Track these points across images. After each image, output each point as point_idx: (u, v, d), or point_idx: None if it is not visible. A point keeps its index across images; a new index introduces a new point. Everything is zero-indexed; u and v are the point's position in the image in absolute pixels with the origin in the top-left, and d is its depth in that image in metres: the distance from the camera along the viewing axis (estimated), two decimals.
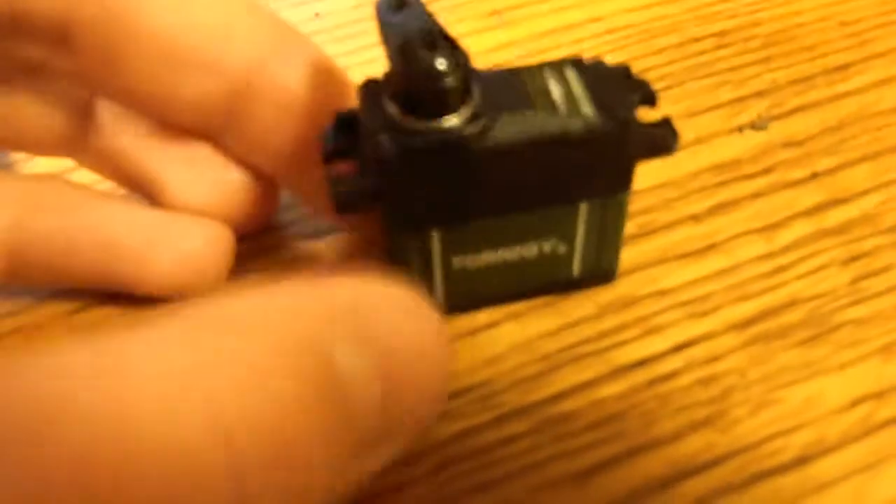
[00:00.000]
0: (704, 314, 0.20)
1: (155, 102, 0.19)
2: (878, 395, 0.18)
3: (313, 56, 0.19)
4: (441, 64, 0.16)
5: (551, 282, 0.20)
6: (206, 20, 0.18)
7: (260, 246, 0.22)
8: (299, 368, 0.11)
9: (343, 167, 0.18)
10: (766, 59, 0.26)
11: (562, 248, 0.19)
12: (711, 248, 0.21)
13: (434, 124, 0.16)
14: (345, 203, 0.17)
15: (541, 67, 0.18)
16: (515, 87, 0.17)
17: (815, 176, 0.23)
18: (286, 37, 0.19)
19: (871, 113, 0.25)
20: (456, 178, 0.17)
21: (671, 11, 0.28)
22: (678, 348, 0.19)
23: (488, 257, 0.19)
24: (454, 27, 0.28)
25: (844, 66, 0.26)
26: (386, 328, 0.12)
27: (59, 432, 0.09)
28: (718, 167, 0.23)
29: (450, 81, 0.16)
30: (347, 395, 0.11)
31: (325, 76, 0.19)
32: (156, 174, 0.20)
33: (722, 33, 0.27)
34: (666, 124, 0.18)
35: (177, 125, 0.19)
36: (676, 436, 0.18)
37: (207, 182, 0.20)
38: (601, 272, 0.20)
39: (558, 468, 0.18)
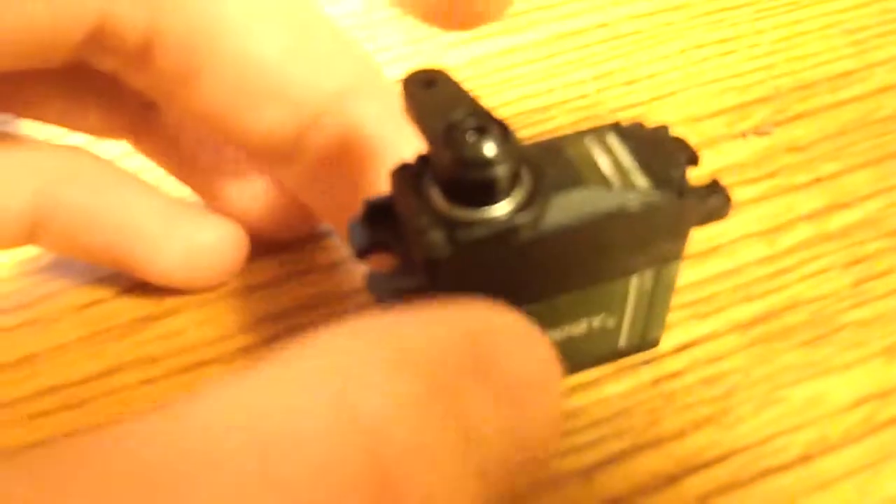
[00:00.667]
0: (708, 315, 0.20)
1: (224, 126, 0.18)
2: (881, 396, 0.19)
3: (393, 96, 0.18)
4: (491, 150, 0.14)
5: (596, 357, 0.19)
6: (291, 47, 0.17)
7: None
8: (431, 417, 0.11)
9: (379, 261, 0.16)
10: (770, 66, 0.27)
11: (610, 323, 0.18)
12: (715, 250, 0.22)
13: (485, 214, 0.15)
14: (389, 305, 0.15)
15: (581, 135, 0.17)
16: (560, 160, 0.16)
17: (817, 180, 0.23)
18: (368, 73, 0.18)
19: (872, 120, 0.25)
20: (508, 268, 0.16)
21: (676, 18, 0.29)
22: (682, 348, 0.20)
23: None
24: (458, 32, 0.29)
25: (846, 74, 0.26)
26: (507, 359, 0.13)
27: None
28: (722, 171, 0.23)
29: (502, 169, 0.14)
30: (471, 436, 0.11)
31: (403, 119, 0.18)
32: (205, 175, 0.20)
33: (726, 40, 0.28)
34: (719, 190, 0.17)
35: (240, 148, 0.19)
36: (681, 433, 0.18)
37: (254, 194, 0.20)
38: (646, 342, 0.19)
39: (563, 464, 0.18)
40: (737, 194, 0.23)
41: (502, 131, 0.15)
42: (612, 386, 0.19)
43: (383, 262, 0.17)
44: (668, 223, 0.16)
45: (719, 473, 0.18)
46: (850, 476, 0.17)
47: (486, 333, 0.13)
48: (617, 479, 0.18)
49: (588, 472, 0.18)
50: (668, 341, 0.20)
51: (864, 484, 0.17)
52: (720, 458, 0.18)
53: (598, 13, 0.29)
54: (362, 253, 0.16)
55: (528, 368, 0.13)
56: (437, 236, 0.15)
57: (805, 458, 0.18)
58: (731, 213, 0.22)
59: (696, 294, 0.21)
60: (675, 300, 0.20)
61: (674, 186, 0.16)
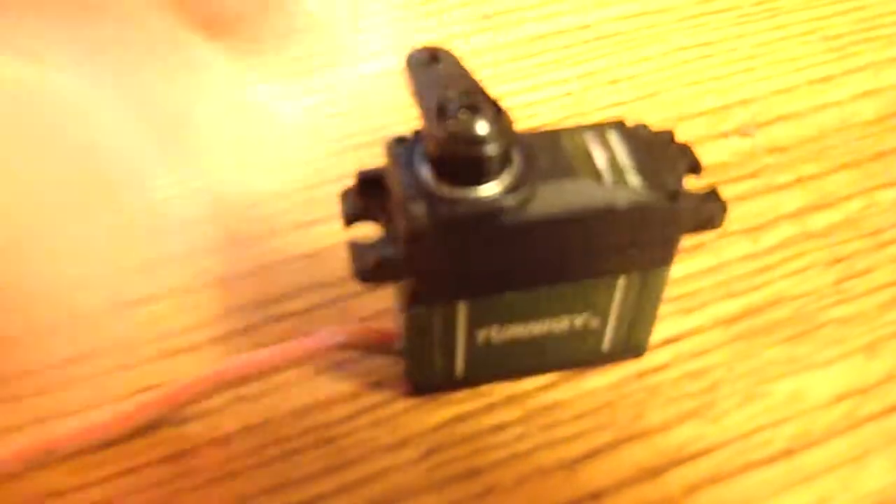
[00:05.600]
0: (692, 310, 0.20)
1: None
2: (862, 392, 0.19)
3: None
4: (482, 129, 0.14)
5: (578, 357, 0.18)
6: None
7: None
8: None
9: (365, 232, 0.17)
10: (751, 70, 0.27)
11: (594, 323, 0.18)
12: (700, 247, 0.22)
13: (471, 193, 0.15)
14: (368, 274, 0.15)
15: (581, 130, 0.17)
16: (556, 150, 0.16)
17: (799, 181, 0.23)
18: None
19: (851, 123, 0.25)
20: (491, 251, 0.15)
21: (658, 21, 0.29)
22: (667, 342, 0.20)
23: (516, 331, 0.17)
24: (446, 28, 0.28)
25: (826, 79, 0.27)
26: None
27: None
28: (706, 171, 0.24)
29: (491, 148, 0.14)
30: None
31: None
32: None
33: (707, 44, 0.28)
34: (714, 198, 0.17)
35: None
36: (665, 426, 0.18)
37: None
38: (631, 347, 0.19)
39: (547, 456, 0.18)
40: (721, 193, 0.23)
41: (496, 112, 0.15)
42: (596, 379, 0.19)
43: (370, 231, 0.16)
44: (657, 226, 0.16)
45: (703, 466, 0.18)
46: (832, 470, 0.17)
47: None
48: (601, 472, 0.17)
49: (572, 465, 0.18)
50: (652, 335, 0.20)
51: (846, 478, 0.17)
52: (704, 452, 0.18)
53: (581, 14, 0.29)
54: (350, 220, 0.16)
55: None
56: (419, 209, 0.15)
57: (788, 452, 0.18)
58: None
59: (680, 290, 0.21)
60: None
61: (667, 190, 0.16)
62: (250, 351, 0.18)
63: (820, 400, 0.19)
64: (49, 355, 0.19)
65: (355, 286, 0.21)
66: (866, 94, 0.26)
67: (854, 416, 0.18)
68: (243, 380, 0.17)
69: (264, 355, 0.18)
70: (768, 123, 0.25)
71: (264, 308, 0.20)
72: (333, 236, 0.22)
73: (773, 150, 0.24)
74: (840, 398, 0.19)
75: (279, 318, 0.20)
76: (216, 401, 0.18)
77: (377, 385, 0.19)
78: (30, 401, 0.19)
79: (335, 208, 0.22)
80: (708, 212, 0.17)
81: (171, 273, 0.21)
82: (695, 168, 0.17)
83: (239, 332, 0.20)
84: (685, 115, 0.25)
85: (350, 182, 0.23)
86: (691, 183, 0.23)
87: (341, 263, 0.21)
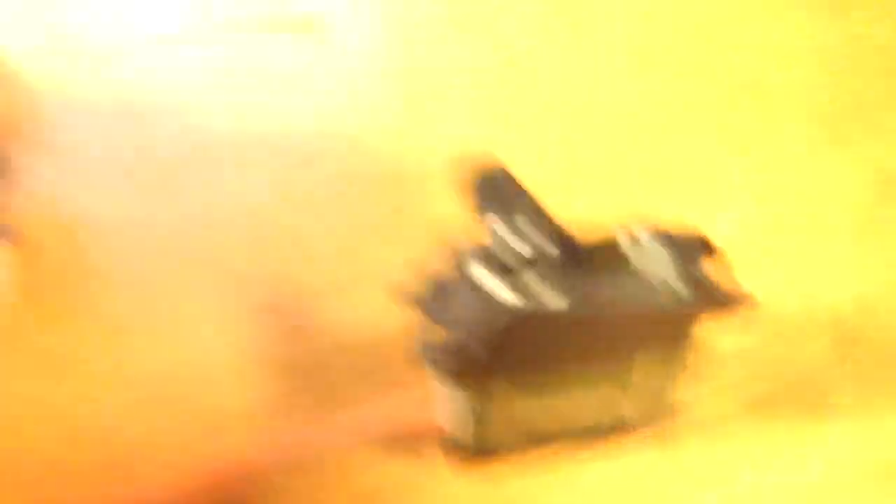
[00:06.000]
0: (713, 384, 0.21)
1: None
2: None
3: None
4: (555, 302, 0.17)
5: (603, 425, 0.20)
6: None
7: None
8: None
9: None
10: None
11: (618, 394, 0.19)
12: (721, 327, 0.22)
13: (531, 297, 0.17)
14: (442, 370, 0.18)
15: (618, 232, 0.19)
16: (600, 253, 0.18)
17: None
18: None
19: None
20: (540, 344, 0.17)
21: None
22: (687, 414, 0.21)
23: (545, 402, 0.19)
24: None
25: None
26: None
27: None
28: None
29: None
30: None
31: None
32: None
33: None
34: (740, 297, 0.19)
35: None
36: (687, 497, 0.19)
37: None
38: (654, 417, 0.20)
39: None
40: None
41: (561, 235, 0.17)
42: (620, 448, 0.20)
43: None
44: (687, 316, 0.18)
45: None
46: None
47: None
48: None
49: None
50: (673, 406, 0.20)
51: None
52: None
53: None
54: (425, 321, 0.18)
55: None
56: (496, 312, 0.17)
57: None
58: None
59: (703, 364, 0.21)
60: None
61: (701, 287, 0.18)
62: (301, 428, 0.19)
63: (837, 473, 0.19)
64: None
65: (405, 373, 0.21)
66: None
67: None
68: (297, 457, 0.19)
69: (313, 434, 0.19)
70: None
71: (314, 386, 0.21)
72: (382, 325, 0.23)
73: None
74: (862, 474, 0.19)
75: (332, 398, 0.21)
76: None
77: (412, 453, 0.20)
78: None
79: (383, 298, 0.24)
80: (730, 300, 0.19)
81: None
82: (712, 254, 0.19)
83: (290, 409, 0.21)
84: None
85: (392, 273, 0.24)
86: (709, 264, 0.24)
87: (386, 345, 0.22)
